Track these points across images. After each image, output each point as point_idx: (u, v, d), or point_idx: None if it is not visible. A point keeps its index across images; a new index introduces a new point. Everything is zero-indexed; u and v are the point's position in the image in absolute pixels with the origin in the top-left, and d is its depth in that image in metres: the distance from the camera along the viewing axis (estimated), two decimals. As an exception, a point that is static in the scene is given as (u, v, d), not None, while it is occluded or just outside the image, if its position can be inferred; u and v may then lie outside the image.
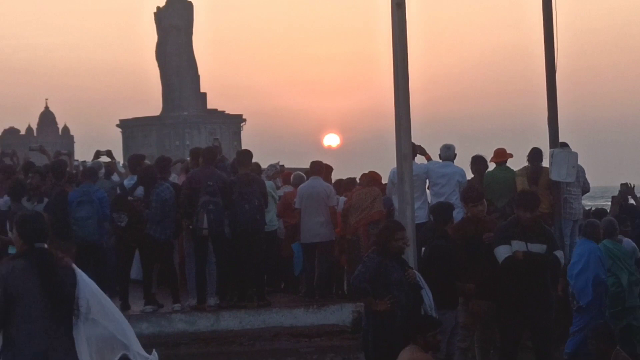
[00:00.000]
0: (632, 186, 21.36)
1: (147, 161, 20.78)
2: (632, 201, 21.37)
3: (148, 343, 17.14)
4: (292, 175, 21.74)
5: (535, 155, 19.65)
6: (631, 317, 16.65)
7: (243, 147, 21.29)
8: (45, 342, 9.69)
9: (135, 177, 18.79)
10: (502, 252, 13.33)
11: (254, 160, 19.81)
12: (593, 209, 21.14)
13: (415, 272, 12.98)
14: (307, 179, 20.08)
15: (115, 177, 20.49)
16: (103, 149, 24.04)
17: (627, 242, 17.32)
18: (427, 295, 12.88)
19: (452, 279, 13.32)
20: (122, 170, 21.25)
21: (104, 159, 23.18)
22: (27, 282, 8.79)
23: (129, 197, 18.02)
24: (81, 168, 21.92)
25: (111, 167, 21.78)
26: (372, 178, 19.14)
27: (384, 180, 19.44)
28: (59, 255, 9.97)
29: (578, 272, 14.94)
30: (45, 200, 18.15)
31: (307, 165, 21.07)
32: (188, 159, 21.32)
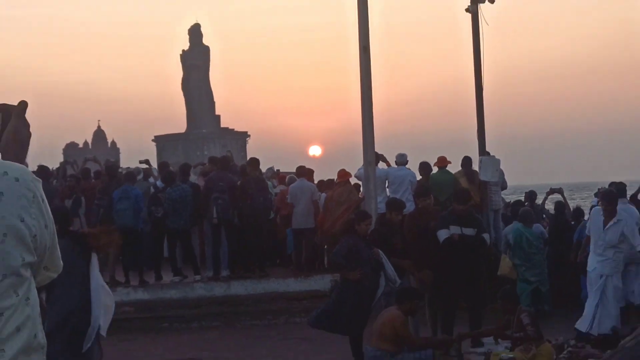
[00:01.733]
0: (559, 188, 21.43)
1: (171, 167, 20.87)
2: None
3: (176, 305, 17.37)
4: (287, 177, 21.81)
5: (466, 161, 19.91)
6: (541, 283, 16.84)
7: (249, 157, 21.24)
8: (78, 296, 9.93)
9: (161, 181, 19.03)
10: (442, 234, 13.40)
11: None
12: (512, 201, 21.15)
13: (379, 251, 13.03)
14: (296, 180, 20.19)
15: (151, 179, 20.55)
16: (142, 158, 24.26)
17: (537, 226, 17.49)
18: (390, 268, 12.94)
19: (390, 255, 13.30)
20: (156, 174, 21.28)
21: (143, 165, 23.47)
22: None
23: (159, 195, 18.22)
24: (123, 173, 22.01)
25: (149, 172, 21.87)
26: (343, 173, 19.28)
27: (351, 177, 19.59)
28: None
29: None
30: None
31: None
32: (206, 163, 21.33)
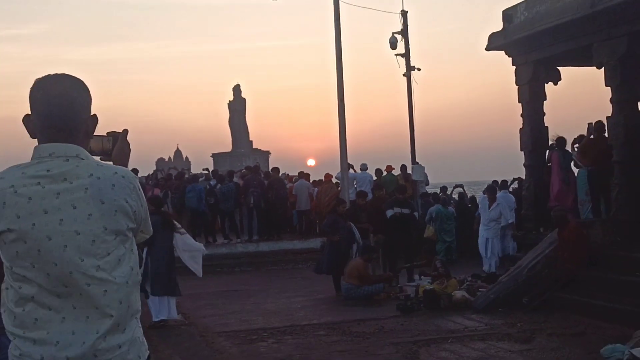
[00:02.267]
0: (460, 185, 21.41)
1: (221, 173, 20.84)
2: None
3: (225, 257, 17.38)
4: (293, 178, 21.82)
5: (403, 167, 19.93)
6: (451, 242, 16.88)
7: (271, 167, 21.30)
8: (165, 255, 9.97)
9: (214, 180, 19.02)
10: (389, 213, 13.42)
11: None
12: (432, 192, 21.07)
13: (351, 223, 13.08)
14: (299, 180, 20.23)
15: (210, 181, 20.50)
16: (204, 167, 24.15)
17: (450, 209, 17.54)
18: (357, 233, 13.00)
19: (357, 224, 13.33)
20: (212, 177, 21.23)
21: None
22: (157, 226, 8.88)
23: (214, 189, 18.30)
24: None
25: (208, 176, 21.81)
26: (328, 175, 19.30)
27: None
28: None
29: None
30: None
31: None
32: (243, 170, 21.26)
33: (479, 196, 18.18)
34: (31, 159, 2.23)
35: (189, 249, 10.73)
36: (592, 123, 12.72)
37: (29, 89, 2.27)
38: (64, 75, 2.30)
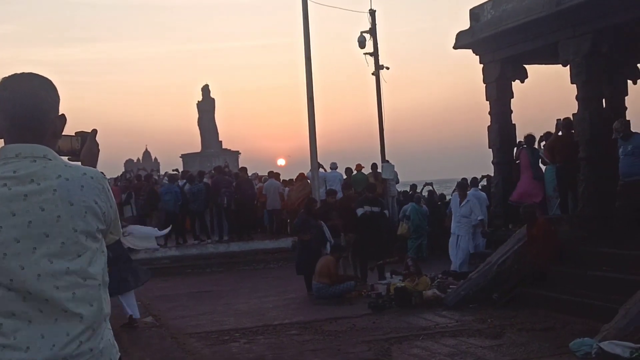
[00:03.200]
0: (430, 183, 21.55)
1: (191, 173, 20.71)
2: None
3: (195, 258, 17.28)
4: (263, 178, 21.77)
5: (373, 166, 19.98)
6: (422, 239, 16.98)
7: (240, 167, 21.27)
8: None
9: (184, 181, 18.86)
10: (359, 211, 13.41)
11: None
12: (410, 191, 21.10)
13: (322, 222, 13.08)
14: (268, 180, 20.22)
15: (178, 181, 20.34)
16: (174, 168, 23.92)
17: (424, 207, 17.63)
18: (327, 232, 13.00)
19: (328, 222, 13.35)
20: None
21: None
22: None
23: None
24: (166, 178, 21.73)
25: (176, 176, 21.62)
26: (301, 174, 19.25)
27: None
28: None
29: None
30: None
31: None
32: (212, 171, 21.12)
33: (450, 194, 18.33)
34: (-3, 160, 2.18)
35: (145, 237, 10.83)
36: (561, 119, 12.89)
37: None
38: (31, 74, 2.26)
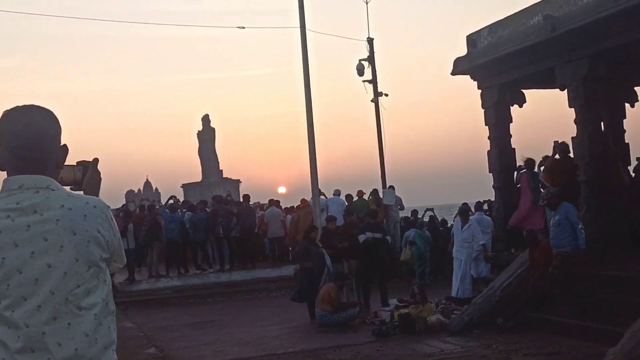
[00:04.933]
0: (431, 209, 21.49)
1: (192, 202, 20.65)
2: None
3: (197, 288, 17.19)
4: (264, 206, 21.74)
5: (374, 192, 19.88)
6: (425, 266, 16.89)
7: (242, 195, 21.28)
8: None
9: (184, 209, 18.81)
10: (361, 237, 13.35)
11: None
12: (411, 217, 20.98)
13: (323, 249, 13.03)
14: (269, 208, 20.20)
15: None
16: (171, 196, 23.73)
17: (427, 232, 17.55)
18: (328, 259, 12.94)
19: (330, 249, 13.30)
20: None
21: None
22: None
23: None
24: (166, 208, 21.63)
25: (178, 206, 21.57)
26: (304, 201, 19.20)
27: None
28: None
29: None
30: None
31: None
32: (212, 201, 21.06)
33: (452, 219, 18.28)
34: (0, 192, 2.19)
35: None
36: (558, 142, 12.92)
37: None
38: (32, 106, 2.28)
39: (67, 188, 2.41)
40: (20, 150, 2.20)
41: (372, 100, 22.22)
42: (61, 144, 2.31)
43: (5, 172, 2.24)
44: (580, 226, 10.39)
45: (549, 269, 10.41)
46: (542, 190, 13.40)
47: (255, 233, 19.41)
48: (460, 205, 16.80)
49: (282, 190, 33.05)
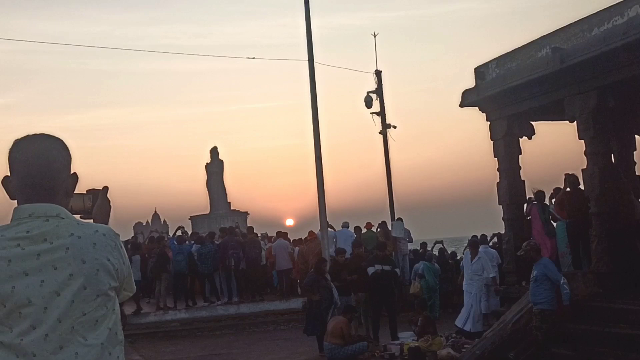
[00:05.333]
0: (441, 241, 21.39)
1: (201, 234, 20.61)
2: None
3: (205, 320, 17.07)
4: (272, 238, 21.68)
5: (383, 224, 19.80)
6: (434, 299, 16.74)
7: (248, 227, 21.25)
8: None
9: (192, 242, 18.78)
10: (370, 270, 13.28)
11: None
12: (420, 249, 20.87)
13: (331, 282, 12.96)
14: (277, 240, 20.15)
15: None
16: (179, 226, 23.66)
17: (436, 265, 17.43)
18: (336, 292, 12.85)
19: (338, 281, 13.22)
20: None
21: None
22: None
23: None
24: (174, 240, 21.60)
25: (186, 238, 21.51)
26: (312, 233, 19.12)
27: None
28: None
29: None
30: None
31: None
32: (220, 233, 21.01)
33: (462, 252, 18.18)
34: (11, 221, 2.18)
35: None
36: (569, 174, 12.87)
37: (7, 151, 2.24)
38: (42, 135, 2.28)
39: (77, 216, 2.41)
40: (31, 178, 2.20)
41: (380, 132, 22.29)
42: (71, 172, 2.30)
43: (16, 200, 2.23)
44: (563, 281, 10.06)
45: (532, 330, 10.09)
46: (552, 222, 13.33)
47: (261, 265, 19.31)
48: (470, 237, 16.73)
49: (289, 222, 32.99)
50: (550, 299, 9.80)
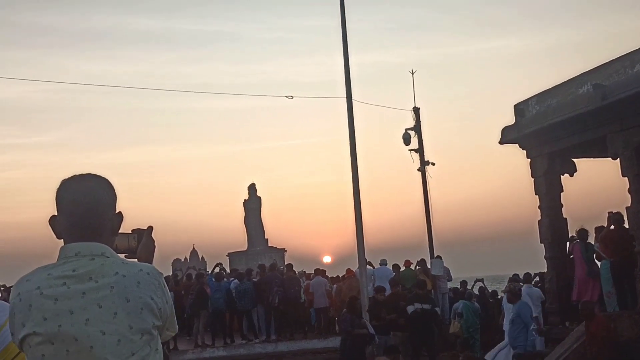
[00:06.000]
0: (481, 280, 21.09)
1: (240, 271, 20.63)
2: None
3: (243, 358, 16.98)
4: (311, 275, 21.60)
5: (422, 261, 19.59)
6: (475, 339, 16.43)
7: (286, 264, 21.26)
8: None
9: (232, 278, 18.77)
10: (410, 308, 13.15)
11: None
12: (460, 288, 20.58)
13: (366, 321, 12.88)
14: (315, 277, 20.08)
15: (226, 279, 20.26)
16: (217, 263, 23.72)
17: (476, 304, 17.16)
18: (372, 330, 12.73)
19: (377, 321, 13.12)
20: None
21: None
22: None
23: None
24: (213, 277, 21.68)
25: (224, 275, 21.56)
26: (350, 271, 19.01)
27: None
28: None
29: None
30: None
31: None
32: (258, 270, 20.98)
33: (502, 290, 17.86)
34: (57, 260, 2.23)
35: None
36: (612, 212, 12.63)
37: (55, 191, 2.29)
38: (89, 174, 2.33)
39: (122, 255, 2.44)
40: (78, 218, 2.24)
41: (418, 169, 22.19)
42: (116, 212, 2.34)
43: (63, 239, 2.27)
44: (532, 327, 9.97)
45: None
46: (597, 261, 13.04)
47: (300, 303, 19.22)
48: (511, 276, 16.47)
49: (327, 259, 32.90)
50: (523, 342, 9.82)
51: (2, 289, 18.97)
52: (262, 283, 18.08)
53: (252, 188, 48.54)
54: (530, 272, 17.72)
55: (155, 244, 2.58)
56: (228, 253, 47.46)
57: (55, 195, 2.28)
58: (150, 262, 2.50)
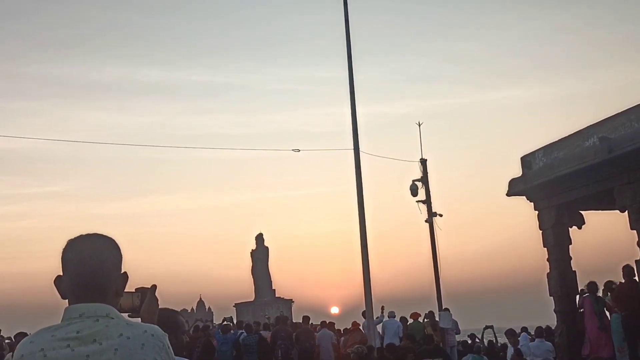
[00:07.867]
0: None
1: (248, 323, 20.45)
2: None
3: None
4: (317, 327, 21.38)
5: (430, 314, 19.41)
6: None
7: (293, 316, 21.14)
8: None
9: (241, 331, 18.62)
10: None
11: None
12: (469, 340, 20.31)
13: None
14: (321, 330, 19.89)
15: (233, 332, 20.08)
16: (227, 316, 23.64)
17: (485, 358, 16.87)
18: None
19: None
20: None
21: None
22: None
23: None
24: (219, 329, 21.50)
25: (230, 327, 21.38)
26: (355, 323, 18.84)
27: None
28: None
29: None
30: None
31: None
32: (266, 321, 20.81)
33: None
34: (61, 320, 2.22)
35: None
36: (626, 265, 12.51)
37: (61, 249, 2.30)
38: (95, 235, 2.34)
39: (126, 314, 2.44)
40: (83, 278, 2.24)
41: (426, 221, 22.14)
42: (121, 272, 2.35)
43: (67, 300, 2.28)
44: None
45: None
46: (608, 314, 12.86)
47: (314, 356, 18.98)
48: (520, 328, 16.22)
49: (335, 310, 32.55)
50: None
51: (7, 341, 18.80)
52: (272, 337, 17.94)
53: (259, 238, 48.50)
54: (541, 325, 17.46)
55: (159, 303, 2.58)
56: (235, 303, 47.19)
57: (60, 255, 2.29)
58: (154, 322, 2.50)
